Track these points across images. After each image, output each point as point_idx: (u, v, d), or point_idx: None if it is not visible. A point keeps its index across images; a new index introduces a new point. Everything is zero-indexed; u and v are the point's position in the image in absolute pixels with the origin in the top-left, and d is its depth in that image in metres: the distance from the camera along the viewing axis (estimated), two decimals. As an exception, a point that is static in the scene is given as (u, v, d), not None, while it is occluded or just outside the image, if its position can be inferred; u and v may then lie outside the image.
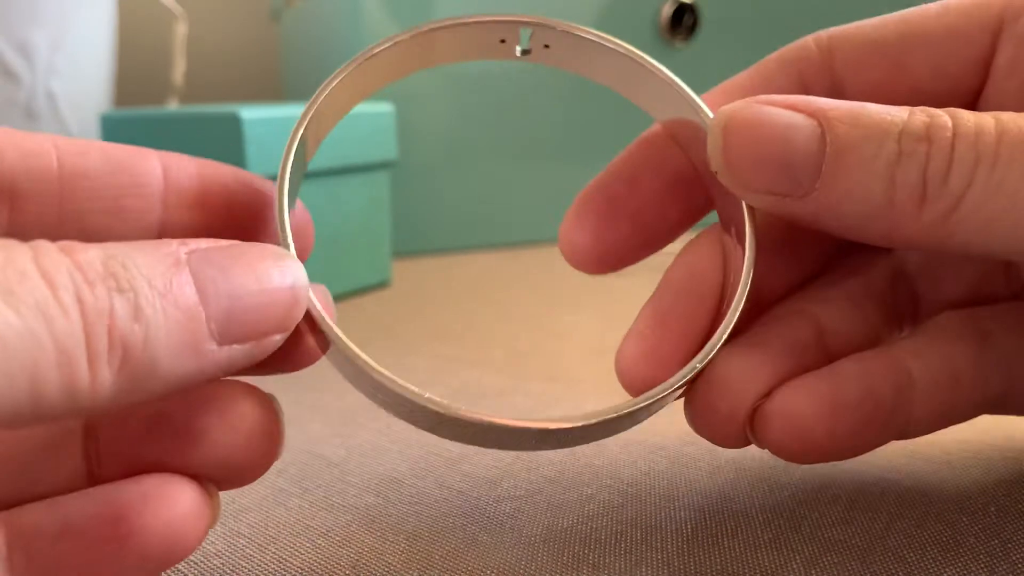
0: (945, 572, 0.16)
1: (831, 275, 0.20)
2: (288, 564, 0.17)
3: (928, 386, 0.17)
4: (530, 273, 0.48)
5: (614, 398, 0.27)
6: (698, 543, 0.18)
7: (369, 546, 0.18)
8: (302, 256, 0.18)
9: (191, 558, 0.18)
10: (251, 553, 0.18)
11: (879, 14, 0.19)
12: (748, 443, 0.17)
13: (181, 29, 0.67)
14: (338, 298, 0.41)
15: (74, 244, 0.12)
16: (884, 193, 0.15)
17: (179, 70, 0.68)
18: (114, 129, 0.44)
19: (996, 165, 0.14)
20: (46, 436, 0.16)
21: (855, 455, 0.17)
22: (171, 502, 0.14)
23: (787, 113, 0.16)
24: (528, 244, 0.56)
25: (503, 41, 0.18)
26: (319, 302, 0.16)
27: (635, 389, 0.18)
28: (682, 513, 0.19)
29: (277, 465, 0.19)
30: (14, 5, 0.50)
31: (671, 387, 0.16)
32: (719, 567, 0.17)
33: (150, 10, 0.70)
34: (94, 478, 0.16)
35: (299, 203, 0.18)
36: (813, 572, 0.16)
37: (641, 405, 0.16)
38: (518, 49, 0.19)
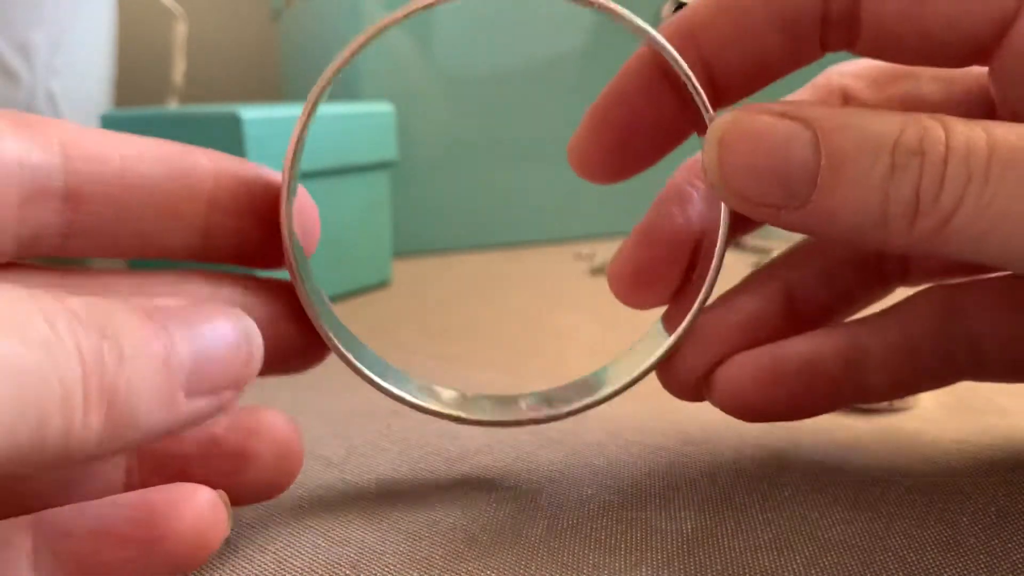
0: (945, 572, 0.16)
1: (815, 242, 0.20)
2: (288, 564, 0.17)
3: (884, 359, 0.19)
4: (530, 273, 0.48)
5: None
6: (698, 543, 0.18)
7: (369, 546, 0.18)
8: (308, 248, 0.18)
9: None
10: (251, 553, 0.18)
11: None
12: (703, 399, 0.20)
13: (181, 29, 0.67)
14: (338, 298, 0.41)
15: (61, 293, 0.12)
16: (878, 207, 0.15)
17: (179, 70, 0.68)
18: (114, 129, 0.44)
19: (987, 183, 0.14)
20: None
21: (808, 416, 0.20)
22: (198, 509, 0.15)
23: (782, 124, 0.16)
24: (528, 244, 0.56)
25: None
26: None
27: (624, 299, 0.21)
28: (682, 513, 0.19)
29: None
30: (14, 5, 0.50)
31: (637, 374, 0.20)
32: (719, 567, 0.17)
33: (150, 10, 0.70)
34: (129, 490, 0.17)
35: (304, 192, 0.19)
36: (813, 572, 0.16)
37: (605, 394, 0.20)
38: None
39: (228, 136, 0.37)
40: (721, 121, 0.16)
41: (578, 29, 0.55)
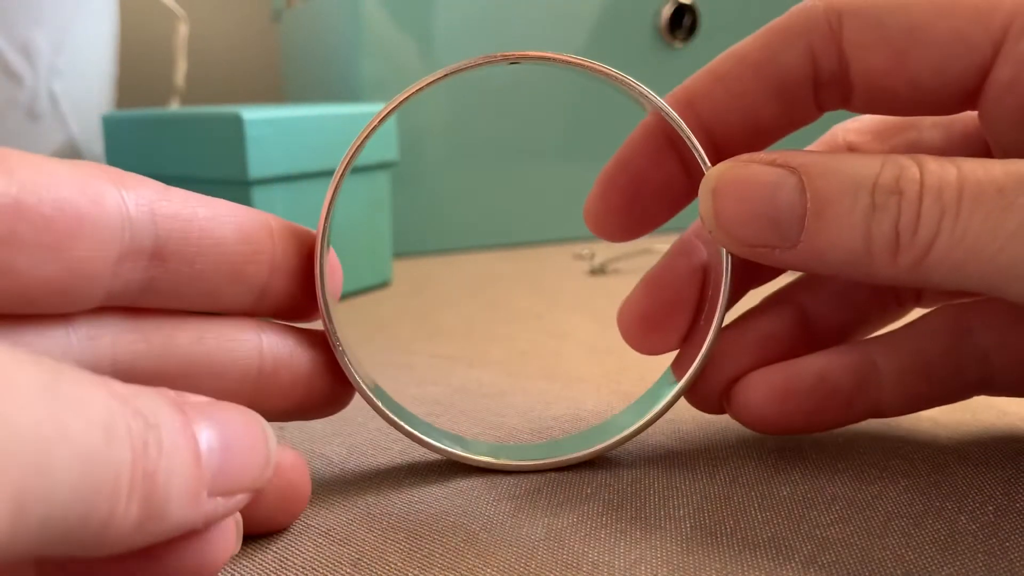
0: (943, 571, 0.16)
1: None
2: (289, 563, 0.17)
3: (896, 376, 0.20)
4: (530, 273, 0.48)
5: (612, 398, 0.27)
6: (697, 542, 0.18)
7: (370, 544, 0.18)
8: (334, 294, 0.20)
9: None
10: (252, 552, 0.18)
11: None
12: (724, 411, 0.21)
13: (182, 30, 0.67)
14: (338, 298, 0.42)
15: (106, 378, 0.12)
16: (862, 244, 0.16)
17: (180, 71, 0.68)
18: (115, 130, 0.44)
19: (959, 216, 0.15)
20: None
21: (821, 430, 0.21)
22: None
23: (770, 171, 0.17)
24: (528, 244, 0.56)
25: None
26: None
27: (634, 344, 0.22)
28: (681, 512, 0.19)
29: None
30: (16, 6, 0.50)
31: (646, 420, 0.21)
32: (718, 566, 0.17)
33: (152, 11, 0.70)
34: None
35: (332, 252, 0.20)
36: (812, 571, 0.17)
37: (614, 440, 0.21)
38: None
39: (229, 137, 0.37)
40: (714, 171, 0.18)
41: (578, 30, 0.55)
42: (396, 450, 0.23)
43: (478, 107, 0.55)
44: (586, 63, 0.19)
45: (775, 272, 0.23)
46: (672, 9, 0.56)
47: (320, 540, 0.18)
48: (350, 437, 0.24)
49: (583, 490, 0.20)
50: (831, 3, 0.18)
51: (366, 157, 0.43)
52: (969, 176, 0.16)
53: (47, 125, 0.52)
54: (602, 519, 0.19)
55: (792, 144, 0.19)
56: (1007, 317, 0.20)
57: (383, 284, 0.45)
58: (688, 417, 0.25)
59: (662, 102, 0.19)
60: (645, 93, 0.19)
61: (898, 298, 0.23)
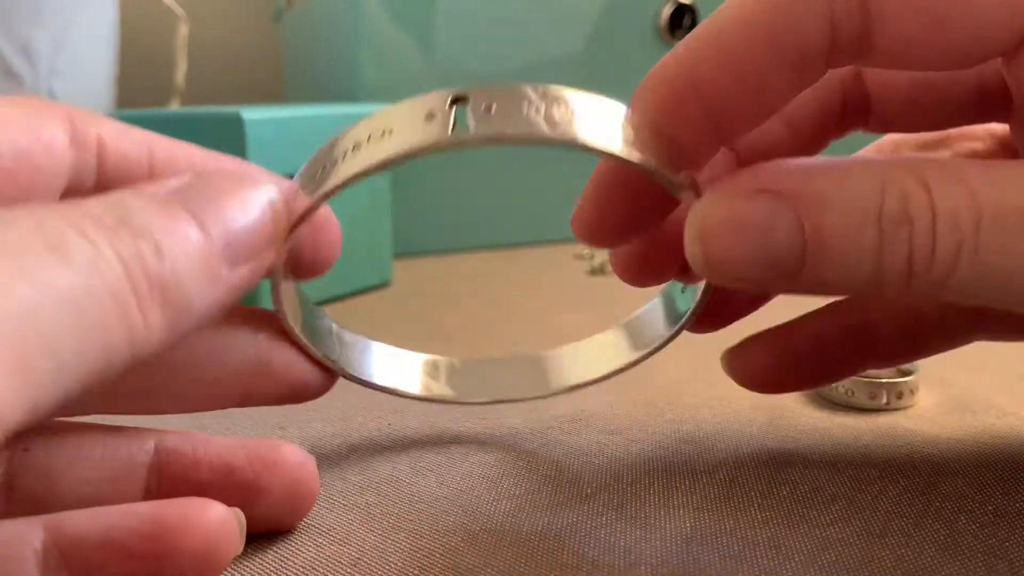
0: (943, 571, 0.16)
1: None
2: (289, 563, 0.17)
3: (892, 327, 0.20)
4: (530, 273, 0.48)
5: (613, 397, 0.27)
6: (697, 542, 0.18)
7: (370, 544, 0.18)
8: (325, 263, 0.19)
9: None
10: (252, 552, 0.18)
11: None
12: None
13: (183, 30, 0.67)
14: (339, 298, 0.42)
15: (78, 200, 0.12)
16: (871, 274, 0.15)
17: (181, 71, 0.68)
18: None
19: (979, 247, 0.14)
20: (116, 468, 0.17)
21: (823, 384, 0.23)
22: (209, 526, 0.15)
23: (760, 206, 0.15)
24: (528, 244, 0.56)
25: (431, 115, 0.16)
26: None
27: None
28: (681, 511, 0.19)
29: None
30: (16, 6, 0.50)
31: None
32: (718, 566, 0.17)
33: (152, 11, 0.70)
34: None
35: (330, 212, 0.19)
36: (812, 570, 0.17)
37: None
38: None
39: (230, 137, 0.37)
40: (698, 213, 0.16)
41: (578, 30, 0.55)
42: (396, 450, 0.23)
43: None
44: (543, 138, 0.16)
45: None
46: (672, 9, 0.56)
47: (320, 540, 0.18)
48: (350, 437, 0.24)
49: (583, 490, 0.20)
50: None
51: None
52: (985, 201, 0.14)
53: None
54: (602, 519, 0.19)
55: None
56: None
57: (383, 284, 0.45)
58: (688, 416, 0.25)
59: (634, 159, 0.16)
60: (610, 154, 0.16)
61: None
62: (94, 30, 0.56)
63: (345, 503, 0.20)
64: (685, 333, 0.21)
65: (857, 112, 0.19)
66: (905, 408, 0.25)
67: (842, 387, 0.25)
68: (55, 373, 0.10)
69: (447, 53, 0.53)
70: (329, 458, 0.23)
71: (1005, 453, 0.22)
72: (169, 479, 0.17)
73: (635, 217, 0.20)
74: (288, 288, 0.18)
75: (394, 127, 0.16)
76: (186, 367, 0.18)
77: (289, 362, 0.19)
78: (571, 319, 0.38)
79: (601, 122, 0.16)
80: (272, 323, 0.19)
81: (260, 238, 0.15)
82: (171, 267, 0.12)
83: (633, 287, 0.21)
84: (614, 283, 0.47)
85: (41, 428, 0.17)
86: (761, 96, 0.17)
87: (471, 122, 0.15)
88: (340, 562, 0.17)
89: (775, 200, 0.15)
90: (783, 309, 0.21)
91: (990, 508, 0.19)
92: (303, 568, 0.17)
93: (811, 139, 0.20)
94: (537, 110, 0.15)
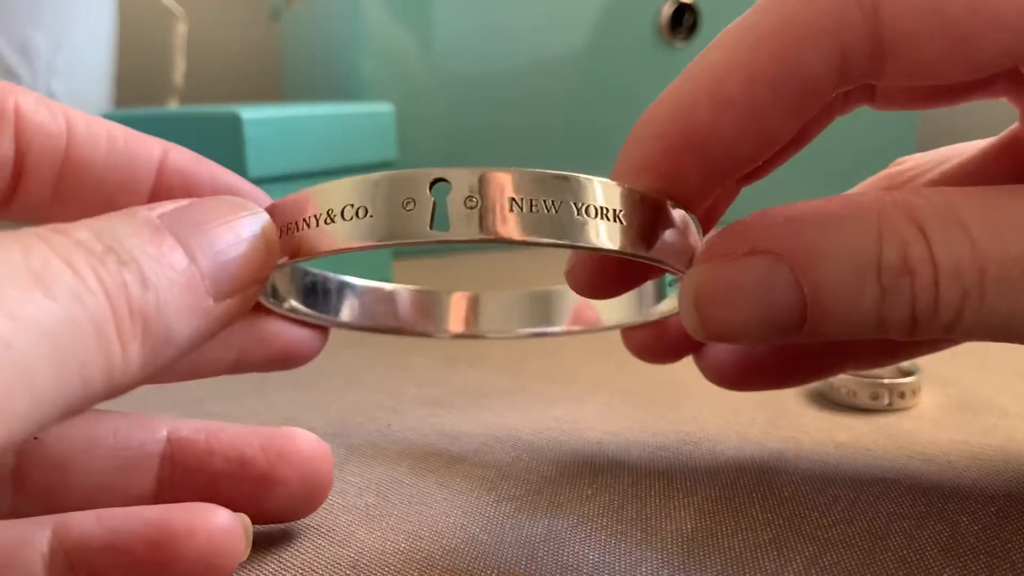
0: (945, 572, 0.16)
1: None
2: (288, 564, 0.17)
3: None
4: (530, 273, 0.48)
5: (613, 398, 0.27)
6: (698, 543, 0.18)
7: (369, 546, 0.18)
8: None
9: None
10: (251, 553, 0.18)
11: None
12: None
13: (181, 29, 0.67)
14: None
15: (63, 225, 0.12)
16: (874, 324, 0.15)
17: (179, 70, 0.68)
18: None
19: (984, 300, 0.14)
20: (128, 457, 0.17)
21: (794, 385, 0.22)
22: (214, 534, 0.15)
23: (754, 267, 0.15)
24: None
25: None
26: None
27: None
28: (682, 513, 0.19)
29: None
30: (15, 6, 0.50)
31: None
32: (719, 567, 0.17)
33: (150, 11, 0.70)
34: (161, 503, 0.17)
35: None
36: (813, 572, 0.16)
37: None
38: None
39: (228, 136, 0.37)
40: (690, 281, 0.15)
41: (578, 29, 0.55)
42: (395, 451, 0.23)
43: (478, 107, 0.55)
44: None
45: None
46: (673, 8, 0.56)
47: (320, 541, 0.18)
48: (349, 438, 0.24)
49: (584, 491, 0.20)
50: None
51: (366, 157, 0.43)
52: (987, 252, 0.14)
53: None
54: (603, 520, 0.19)
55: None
56: None
57: (382, 284, 0.45)
58: (689, 417, 0.25)
59: (626, 251, 0.15)
60: (602, 248, 0.15)
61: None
62: (93, 29, 0.56)
63: (344, 504, 0.20)
64: None
65: (859, 86, 0.17)
66: (907, 409, 0.25)
67: (844, 388, 0.25)
68: (30, 406, 0.10)
69: (446, 52, 0.53)
70: (328, 459, 0.22)
71: (1007, 454, 0.22)
72: (182, 469, 0.17)
73: (631, 270, 0.18)
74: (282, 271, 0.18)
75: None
76: None
77: (279, 324, 0.19)
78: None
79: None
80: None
81: (249, 271, 0.14)
82: (155, 298, 0.12)
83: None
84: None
85: None
86: (765, 137, 0.16)
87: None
88: (339, 563, 0.17)
89: (769, 260, 0.15)
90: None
91: (992, 509, 0.19)
92: (302, 569, 0.17)
93: (801, 123, 0.17)
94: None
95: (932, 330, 0.15)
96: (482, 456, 0.22)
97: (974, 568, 0.16)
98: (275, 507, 0.17)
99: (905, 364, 0.26)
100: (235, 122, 0.37)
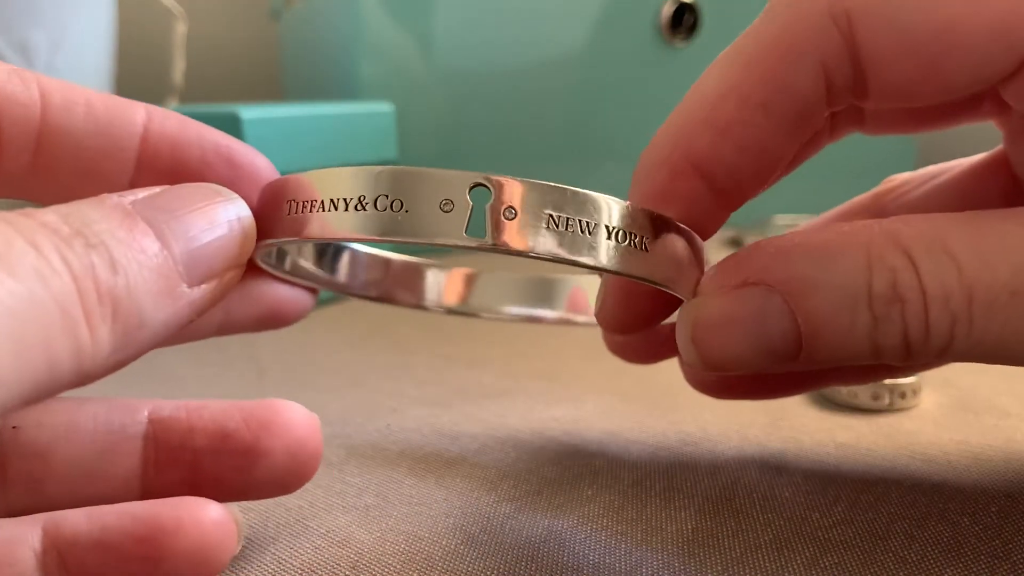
0: (946, 572, 0.16)
1: None
2: (288, 564, 0.17)
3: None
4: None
5: (613, 398, 0.27)
6: (698, 544, 0.18)
7: (369, 546, 0.18)
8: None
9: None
10: (251, 554, 0.18)
11: None
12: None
13: (181, 29, 0.67)
14: (339, 298, 0.41)
15: (30, 210, 0.12)
16: (869, 351, 0.15)
17: (179, 70, 0.68)
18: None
19: (973, 325, 0.14)
20: (110, 441, 0.17)
21: (777, 397, 0.21)
22: (205, 527, 0.15)
23: (749, 300, 0.15)
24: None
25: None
26: None
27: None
28: (682, 513, 0.19)
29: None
30: (14, 5, 0.50)
31: None
32: (720, 568, 0.17)
33: (150, 10, 0.70)
34: (148, 484, 0.17)
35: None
36: (814, 573, 0.16)
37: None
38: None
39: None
40: (686, 316, 0.16)
41: (578, 29, 0.55)
42: (395, 451, 0.23)
43: (478, 107, 0.55)
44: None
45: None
46: (673, 8, 0.56)
47: (319, 542, 0.18)
48: (349, 439, 0.24)
49: (584, 492, 0.20)
50: (835, 9, 0.15)
51: (365, 157, 0.43)
52: (974, 280, 0.14)
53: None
54: (603, 521, 0.19)
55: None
56: None
57: (382, 284, 0.45)
58: (689, 418, 0.24)
59: (627, 272, 0.15)
60: (602, 268, 0.15)
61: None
62: (92, 29, 0.56)
63: (344, 504, 0.20)
64: None
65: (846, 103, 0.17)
66: (908, 409, 0.25)
67: (845, 388, 0.25)
68: None
69: (446, 52, 0.53)
70: (328, 459, 0.22)
71: (1008, 454, 0.22)
72: (166, 448, 0.17)
73: (660, 305, 0.18)
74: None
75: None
76: None
77: (267, 283, 0.18)
78: (571, 319, 0.37)
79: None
80: None
81: (225, 257, 0.14)
82: (125, 282, 0.12)
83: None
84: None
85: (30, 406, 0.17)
86: (764, 159, 0.16)
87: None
88: (339, 564, 0.17)
89: (762, 291, 0.15)
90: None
91: (993, 510, 0.19)
92: (301, 570, 0.17)
93: (801, 139, 0.18)
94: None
95: (926, 355, 0.15)
96: (482, 456, 0.22)
97: (975, 569, 0.16)
98: (262, 479, 0.17)
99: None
100: (235, 122, 0.37)
